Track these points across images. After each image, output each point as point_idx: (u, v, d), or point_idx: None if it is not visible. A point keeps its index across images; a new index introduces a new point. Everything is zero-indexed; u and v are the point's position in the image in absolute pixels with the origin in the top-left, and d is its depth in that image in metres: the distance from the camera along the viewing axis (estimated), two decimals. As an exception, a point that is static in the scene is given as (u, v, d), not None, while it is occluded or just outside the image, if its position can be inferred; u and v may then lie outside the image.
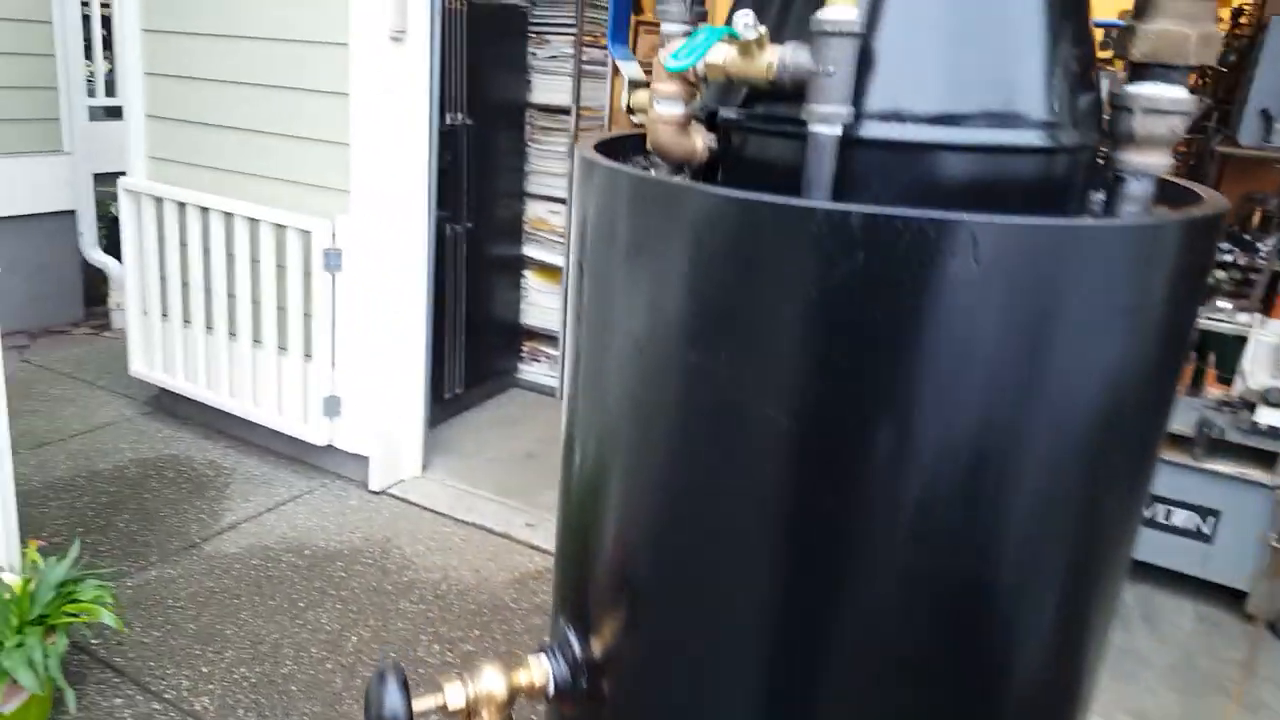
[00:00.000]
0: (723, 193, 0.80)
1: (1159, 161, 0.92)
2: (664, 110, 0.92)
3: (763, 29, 0.82)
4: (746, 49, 0.84)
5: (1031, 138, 0.86)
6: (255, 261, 3.58)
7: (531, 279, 4.47)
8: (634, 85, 1.13)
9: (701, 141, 0.95)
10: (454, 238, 3.98)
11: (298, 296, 3.50)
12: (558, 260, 4.36)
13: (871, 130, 0.83)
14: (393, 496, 3.60)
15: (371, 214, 3.36)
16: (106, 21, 5.15)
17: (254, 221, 3.53)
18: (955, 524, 0.78)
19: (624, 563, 1.03)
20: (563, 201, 4.29)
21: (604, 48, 4.26)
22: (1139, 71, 0.91)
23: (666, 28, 1.07)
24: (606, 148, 1.12)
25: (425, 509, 3.53)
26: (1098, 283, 0.75)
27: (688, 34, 1.06)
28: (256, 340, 3.67)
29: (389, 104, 3.29)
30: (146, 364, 4.01)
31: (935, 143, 0.84)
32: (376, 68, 3.23)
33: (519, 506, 3.56)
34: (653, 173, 1.11)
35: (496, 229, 4.26)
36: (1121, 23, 0.93)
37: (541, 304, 4.47)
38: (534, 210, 4.38)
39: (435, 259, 3.65)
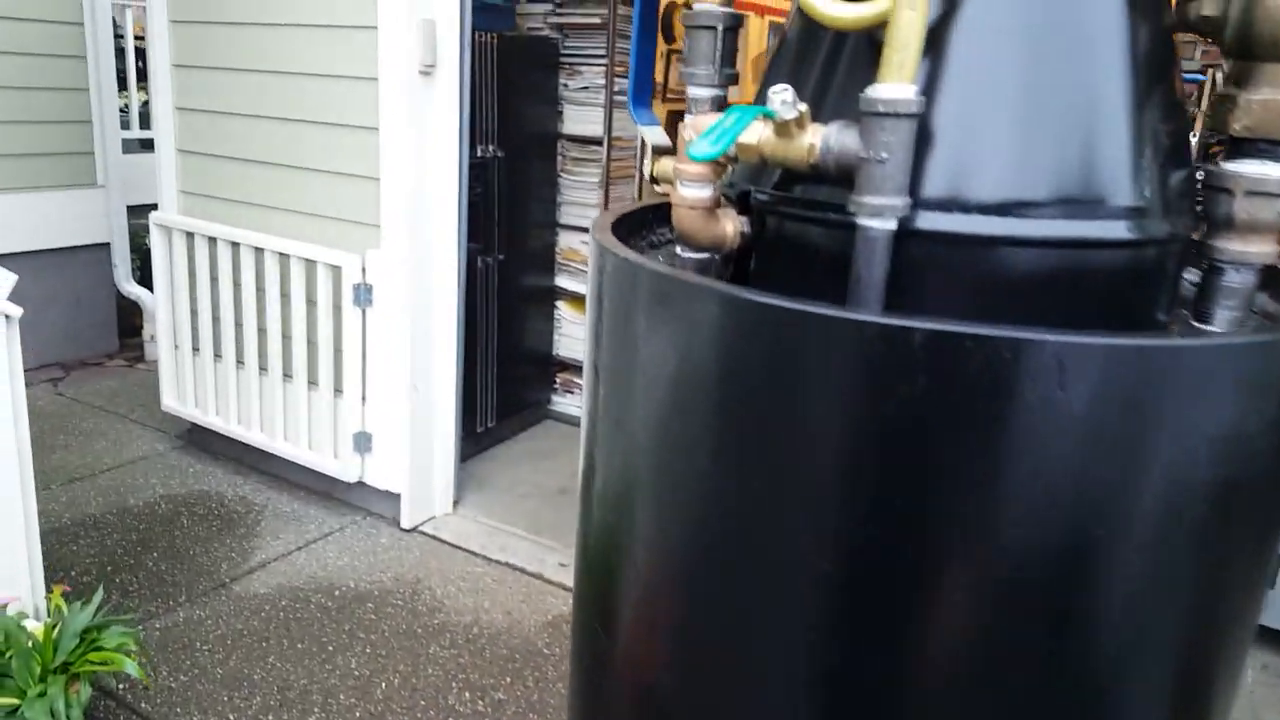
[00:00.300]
0: (758, 299, 0.71)
1: (1263, 250, 0.81)
2: (690, 193, 0.84)
3: (803, 107, 0.74)
4: (784, 129, 0.75)
5: (1118, 230, 0.76)
6: (285, 296, 3.54)
7: (564, 310, 4.41)
8: (658, 152, 1.05)
9: (732, 226, 0.86)
10: (485, 269, 3.92)
11: (328, 331, 3.46)
12: (591, 291, 4.28)
13: (929, 221, 0.74)
14: (424, 534, 3.53)
15: (402, 248, 3.31)
16: (141, 54, 5.17)
17: (284, 256, 3.50)
18: (1034, 683, 0.68)
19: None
20: (595, 231, 4.21)
21: (637, 76, 4.18)
22: (1239, 147, 0.81)
23: (694, 92, 0.99)
24: (626, 224, 1.04)
25: (457, 547, 3.46)
26: (1200, 407, 0.65)
27: (715, 99, 0.99)
28: (287, 375, 3.63)
29: (419, 138, 3.25)
30: (178, 399, 3.99)
31: (1004, 236, 0.74)
32: (406, 102, 3.18)
33: (552, 545, 3.48)
34: (678, 250, 1.03)
35: (528, 260, 4.20)
36: (1200, 75, 0.83)
37: (574, 335, 4.40)
38: (566, 241, 4.31)
39: (466, 291, 3.59)
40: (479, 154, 3.74)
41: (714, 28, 0.96)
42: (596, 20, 3.98)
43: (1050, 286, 0.77)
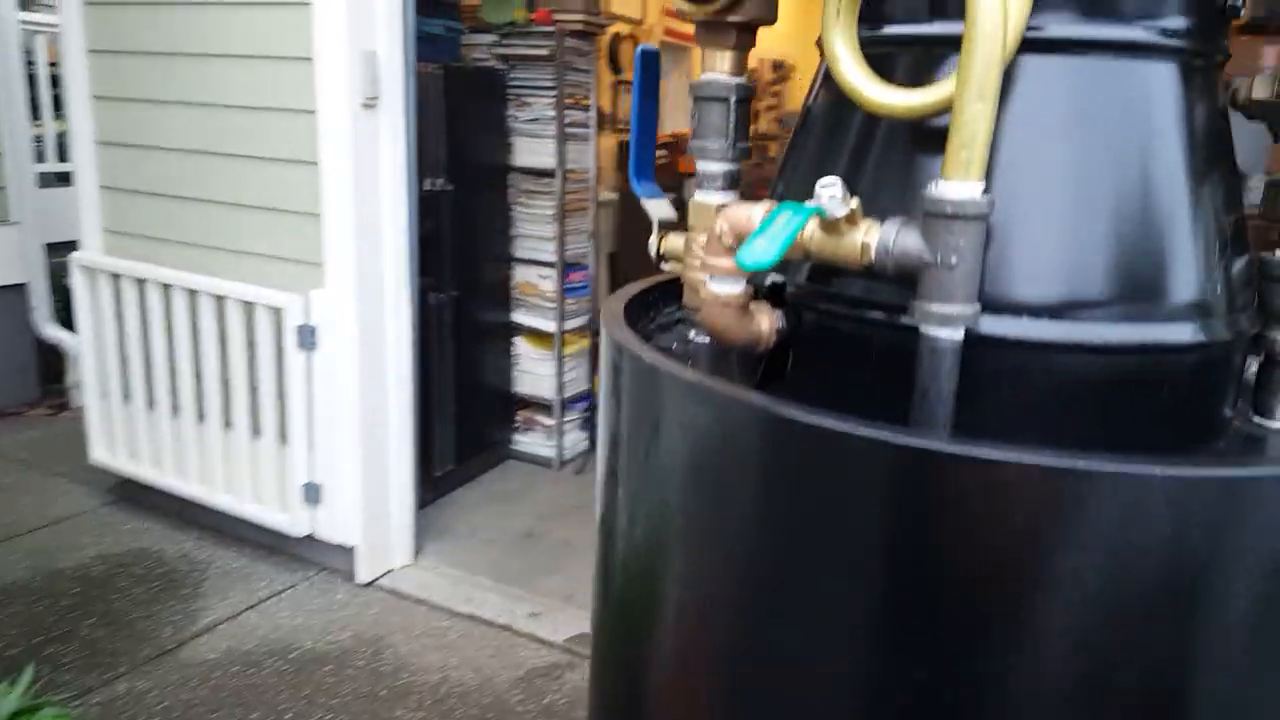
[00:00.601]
0: (809, 420, 0.61)
1: (1325, 343, 0.75)
2: (722, 290, 0.74)
3: (854, 203, 0.64)
4: (833, 226, 0.65)
5: (1188, 332, 0.68)
6: (223, 340, 3.36)
7: (522, 345, 4.27)
8: (664, 227, 0.94)
9: (768, 323, 0.76)
10: (438, 306, 3.78)
11: (270, 376, 3.29)
12: (549, 326, 4.17)
13: (990, 326, 0.65)
14: (383, 588, 3.37)
15: (348, 287, 3.16)
16: (57, 81, 4.92)
17: (220, 298, 3.33)
18: None
19: None
20: (551, 266, 4.11)
21: (586, 108, 4.10)
22: (1297, 234, 0.75)
23: (706, 167, 0.89)
24: (632, 304, 0.93)
25: (419, 601, 3.30)
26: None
27: (728, 174, 0.89)
28: (227, 423, 3.44)
29: (362, 172, 3.11)
30: (108, 451, 3.77)
31: (1065, 342, 0.66)
32: (347, 136, 3.05)
33: (520, 594, 3.34)
34: (691, 334, 0.93)
35: (483, 296, 4.07)
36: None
37: (534, 371, 4.27)
38: (522, 275, 4.19)
39: (419, 329, 3.46)
40: (427, 187, 3.61)
41: (726, 99, 0.86)
42: (544, 52, 3.88)
43: (1113, 391, 0.69)
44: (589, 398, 4.46)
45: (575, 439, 4.42)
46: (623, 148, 5.94)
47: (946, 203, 0.61)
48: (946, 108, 0.65)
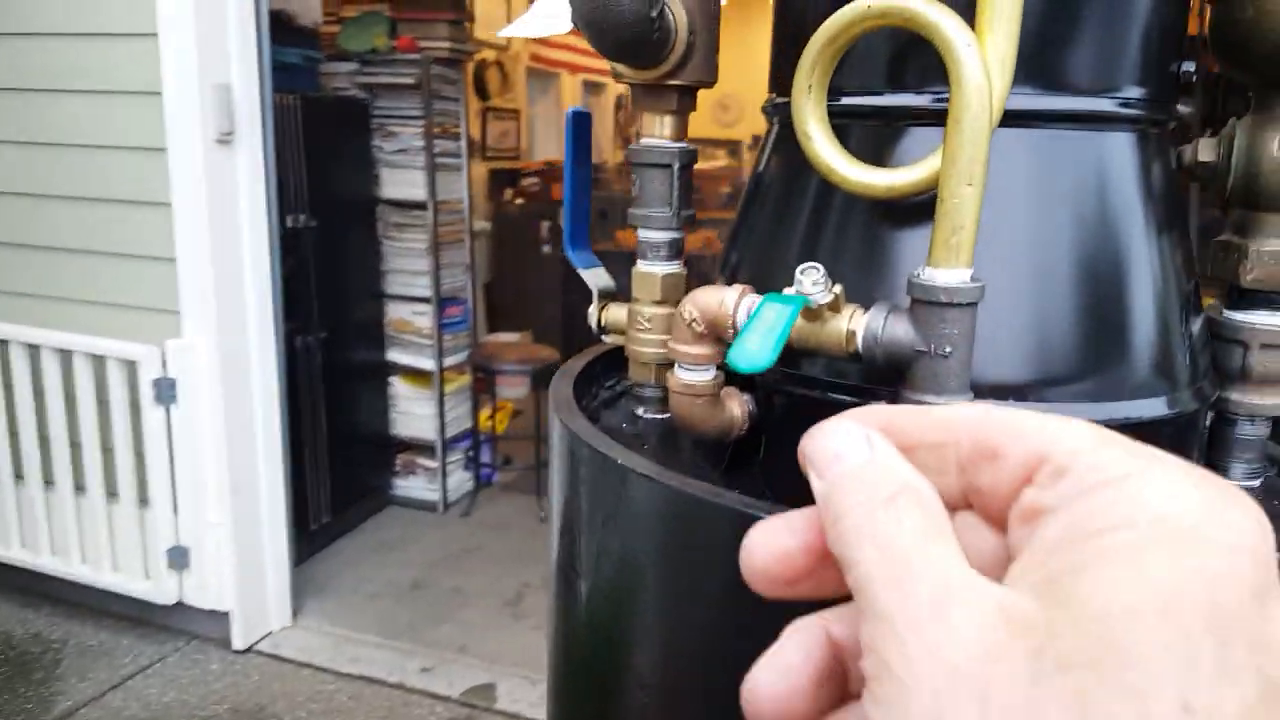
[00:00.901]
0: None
1: (1276, 401, 0.75)
2: (693, 378, 0.69)
3: (838, 289, 0.60)
4: (815, 313, 0.61)
5: (1158, 407, 0.67)
6: (71, 398, 3.11)
7: (399, 386, 4.11)
8: (604, 297, 0.89)
9: (740, 410, 0.71)
10: (306, 349, 3.61)
11: (126, 435, 3.06)
12: (426, 364, 4.03)
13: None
14: (261, 654, 3.18)
15: (207, 335, 2.98)
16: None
17: (65, 353, 3.08)
18: None
19: None
20: (426, 301, 3.97)
21: (456, 137, 4.00)
22: (1247, 297, 0.75)
23: (648, 236, 0.84)
24: (577, 380, 0.87)
25: (302, 664, 3.12)
26: None
27: (672, 243, 0.84)
28: (79, 488, 3.19)
29: (219, 212, 2.94)
30: (-54, 525, 3.44)
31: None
32: (201, 174, 2.88)
33: (410, 648, 3.21)
34: (639, 411, 0.87)
35: (355, 335, 3.90)
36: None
37: (413, 411, 4.12)
38: (395, 311, 4.03)
39: (287, 375, 3.29)
40: (289, 224, 3.44)
41: (668, 166, 0.81)
42: (409, 80, 3.76)
43: None
44: (472, 436, 4.33)
45: (460, 480, 4.29)
46: (494, 175, 5.85)
47: (939, 290, 0.57)
48: (929, 187, 0.61)
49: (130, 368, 3.00)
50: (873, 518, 0.27)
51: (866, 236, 0.72)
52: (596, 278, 0.89)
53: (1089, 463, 0.25)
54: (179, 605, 3.16)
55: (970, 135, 0.56)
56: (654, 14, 0.69)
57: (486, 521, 4.15)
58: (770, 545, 0.32)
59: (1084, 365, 0.67)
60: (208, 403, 3.01)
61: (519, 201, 5.94)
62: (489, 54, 5.72)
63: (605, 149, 7.63)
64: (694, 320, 0.67)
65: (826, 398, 0.68)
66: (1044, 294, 0.67)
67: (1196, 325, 0.74)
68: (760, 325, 0.57)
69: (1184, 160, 0.76)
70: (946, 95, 0.68)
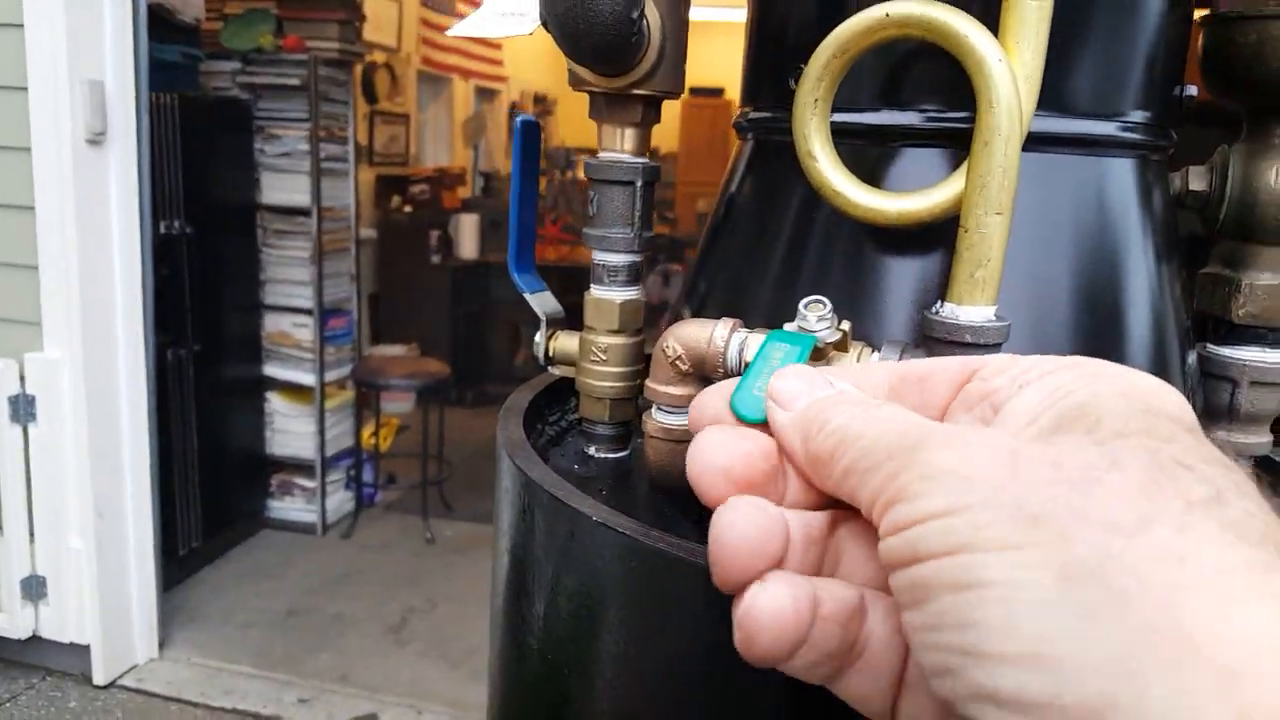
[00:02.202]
0: None
1: (1261, 440, 0.73)
2: (675, 422, 0.62)
3: (845, 326, 0.55)
4: (820, 353, 0.55)
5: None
6: (-85, 417, 2.85)
7: (276, 402, 3.90)
8: (552, 324, 0.81)
9: (721, 458, 0.65)
10: (178, 364, 3.39)
11: (-22, 456, 2.82)
12: (306, 379, 3.83)
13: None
14: (126, 689, 2.95)
15: (71, 349, 2.78)
16: None
17: (-92, 367, 2.82)
18: None
19: None
20: (308, 312, 3.78)
21: (343, 141, 3.84)
22: (1237, 333, 0.73)
23: (606, 259, 0.77)
24: (528, 419, 0.79)
25: (170, 699, 2.92)
26: None
27: (631, 266, 0.77)
28: (-78, 514, 2.91)
29: (87, 217, 2.75)
30: None
31: None
32: (69, 176, 2.68)
33: (287, 679, 3.03)
34: (591, 450, 0.80)
35: (230, 349, 3.69)
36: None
37: (290, 429, 3.91)
38: (274, 323, 3.82)
39: (157, 391, 3.08)
40: (163, 231, 3.23)
41: (630, 183, 0.74)
42: (294, 81, 3.59)
43: None
44: (354, 454, 4.14)
45: (340, 500, 4.09)
46: (381, 182, 5.65)
47: (964, 329, 0.52)
48: (947, 214, 0.56)
49: (-17, 383, 2.77)
50: (867, 415, 0.32)
51: (853, 265, 0.67)
52: (543, 303, 0.81)
53: (1022, 365, 0.33)
54: (34, 639, 2.92)
55: (1000, 159, 0.51)
56: (635, 14, 0.62)
57: (368, 544, 3.98)
58: (730, 446, 0.36)
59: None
60: (70, 421, 2.80)
61: (407, 209, 5.76)
62: (378, 56, 5.54)
63: (498, 158, 7.50)
64: (678, 358, 0.60)
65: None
66: (1040, 325, 0.64)
67: (1191, 359, 0.71)
68: (766, 369, 0.50)
69: (1174, 188, 0.74)
70: (941, 113, 0.64)
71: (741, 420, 0.45)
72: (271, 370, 3.85)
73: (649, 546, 0.56)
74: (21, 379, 2.79)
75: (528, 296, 0.80)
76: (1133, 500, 0.25)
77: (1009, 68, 0.52)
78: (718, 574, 0.33)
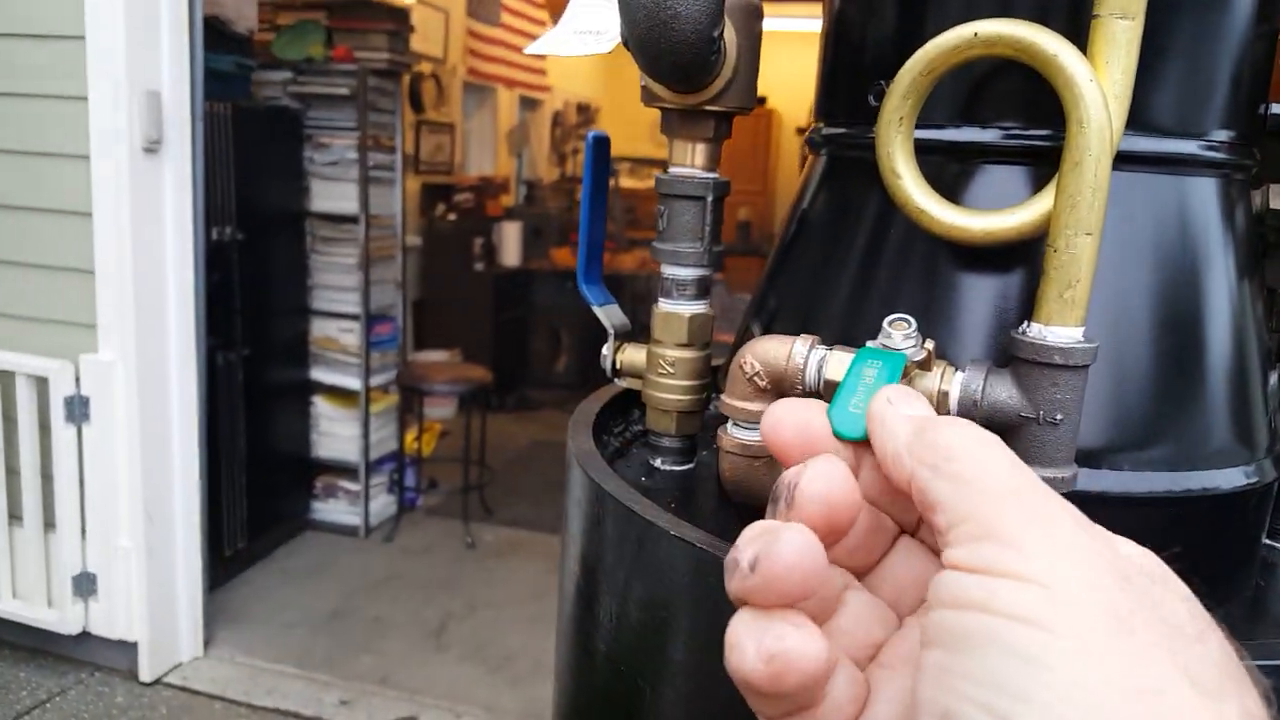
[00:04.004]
0: None
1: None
2: (752, 438, 0.62)
3: (930, 345, 0.54)
4: (904, 372, 0.55)
5: (1239, 477, 0.63)
6: (-24, 416, 2.92)
7: (322, 405, 3.95)
8: (620, 337, 0.82)
9: (795, 474, 0.65)
10: (227, 367, 3.44)
11: (32, 455, 2.88)
12: (352, 383, 3.88)
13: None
14: (171, 686, 3.00)
15: (125, 351, 2.82)
16: None
17: (-29, 368, 2.89)
18: None
19: None
20: (354, 318, 3.83)
21: (390, 150, 3.88)
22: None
23: (675, 273, 0.77)
24: (595, 431, 0.80)
25: (214, 697, 2.96)
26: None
27: (701, 281, 0.77)
28: (-21, 511, 2.98)
29: (143, 223, 2.80)
30: None
31: (1112, 494, 0.59)
32: (126, 183, 2.73)
33: (329, 680, 3.06)
34: (657, 462, 0.80)
35: (278, 352, 3.74)
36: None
37: (335, 432, 3.95)
38: (321, 328, 3.88)
39: (206, 394, 3.12)
40: (215, 237, 3.28)
41: (701, 199, 0.74)
42: (344, 91, 3.64)
43: (1159, 534, 0.62)
44: (397, 458, 4.18)
45: (383, 504, 4.13)
46: (426, 190, 5.71)
47: (1054, 350, 0.52)
48: (1034, 233, 0.56)
49: (41, 384, 2.83)
50: (982, 450, 0.34)
51: (927, 283, 0.66)
52: (611, 315, 0.82)
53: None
54: (83, 635, 2.97)
55: (1091, 179, 0.51)
56: (716, 33, 0.63)
57: (410, 548, 4.01)
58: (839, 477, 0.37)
59: (1161, 429, 0.63)
60: (123, 422, 2.85)
61: (451, 217, 5.81)
62: (425, 66, 5.60)
63: (540, 166, 7.54)
64: (756, 374, 0.60)
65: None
66: (1121, 350, 0.63)
67: (1273, 380, 0.70)
68: (862, 386, 0.50)
69: (1255, 206, 0.73)
70: (1019, 131, 0.64)
71: (841, 439, 0.45)
72: (318, 374, 3.90)
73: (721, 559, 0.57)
74: (77, 380, 2.84)
75: (596, 309, 0.81)
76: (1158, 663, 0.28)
77: (1099, 87, 0.51)
78: (777, 588, 0.34)
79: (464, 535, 4.04)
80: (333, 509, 4.01)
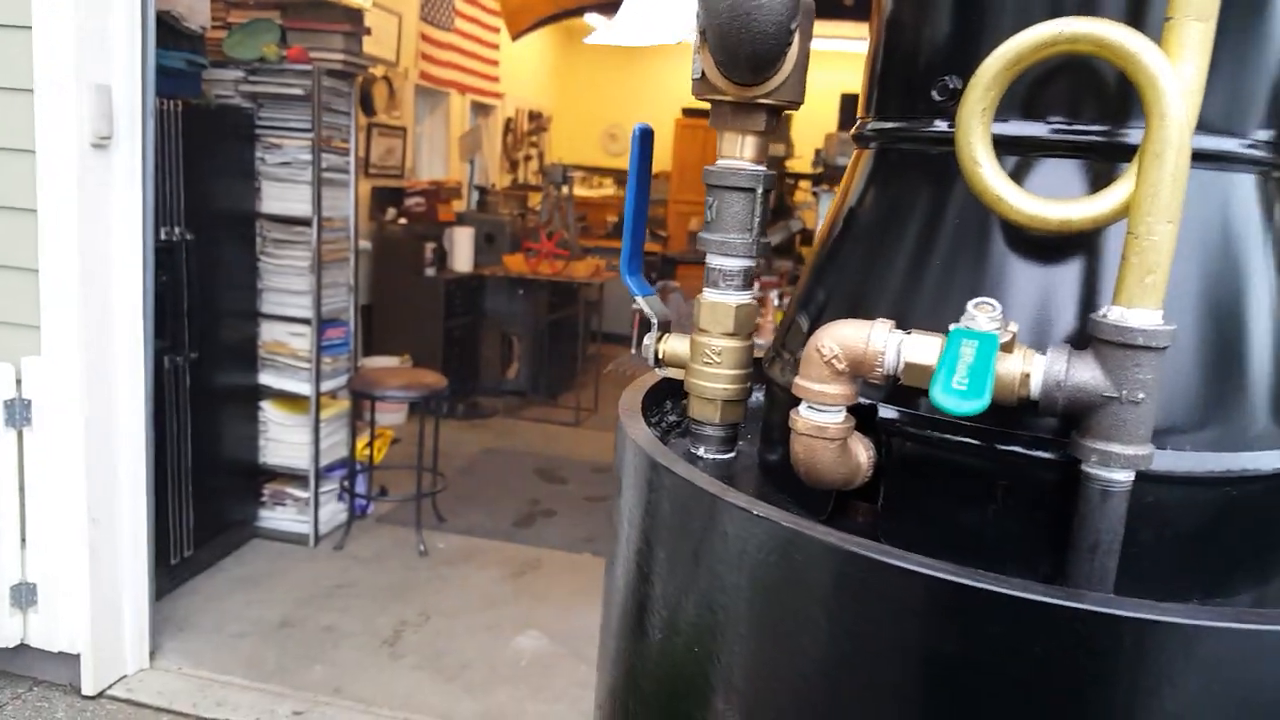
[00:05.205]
0: (974, 583, 0.51)
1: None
2: (826, 420, 0.63)
3: (1014, 328, 0.56)
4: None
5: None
6: (-92, 419, 2.80)
7: (271, 411, 3.87)
8: (663, 328, 0.83)
9: (866, 456, 0.66)
10: (174, 370, 3.35)
11: (-30, 460, 2.77)
12: (302, 388, 3.80)
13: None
14: (115, 699, 2.90)
15: (70, 353, 2.74)
16: None
17: (-98, 369, 2.77)
18: None
19: None
20: (305, 321, 3.76)
21: (344, 153, 3.83)
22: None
23: (721, 263, 0.78)
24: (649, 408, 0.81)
25: (160, 709, 2.87)
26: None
27: (746, 271, 0.79)
28: (-89, 518, 2.86)
29: (90, 221, 2.72)
30: None
31: (1163, 474, 0.61)
32: (74, 179, 2.65)
33: (280, 690, 2.99)
34: (700, 450, 0.81)
35: (226, 356, 3.65)
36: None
37: (284, 439, 3.87)
38: (270, 332, 3.80)
39: (153, 398, 3.04)
40: (163, 237, 3.21)
41: (751, 190, 0.76)
42: (297, 91, 3.58)
43: (1208, 520, 0.65)
44: (348, 465, 4.11)
45: (332, 511, 4.06)
46: (377, 194, 5.64)
47: (1135, 332, 0.54)
48: (1110, 222, 0.58)
49: (-21, 386, 2.73)
50: None
51: (979, 271, 0.69)
52: (654, 306, 0.83)
53: None
54: (22, 647, 2.87)
55: (1172, 171, 0.54)
56: (793, 25, 0.64)
57: (361, 556, 3.94)
58: None
59: (1207, 412, 0.66)
60: (67, 427, 2.76)
61: (402, 221, 5.77)
62: (378, 69, 5.55)
63: (493, 173, 7.51)
64: (834, 357, 0.62)
65: (962, 443, 0.64)
66: (1186, 340, 0.65)
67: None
68: (963, 364, 0.52)
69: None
70: (1069, 125, 0.67)
71: (945, 412, 0.47)
72: (267, 379, 3.82)
73: (810, 536, 0.58)
74: (18, 383, 2.74)
75: (639, 299, 0.82)
76: None
77: (1179, 83, 0.54)
78: None
79: (417, 543, 3.99)
80: (281, 516, 3.92)
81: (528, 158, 8.08)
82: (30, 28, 2.59)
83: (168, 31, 3.17)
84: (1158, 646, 0.50)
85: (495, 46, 7.35)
